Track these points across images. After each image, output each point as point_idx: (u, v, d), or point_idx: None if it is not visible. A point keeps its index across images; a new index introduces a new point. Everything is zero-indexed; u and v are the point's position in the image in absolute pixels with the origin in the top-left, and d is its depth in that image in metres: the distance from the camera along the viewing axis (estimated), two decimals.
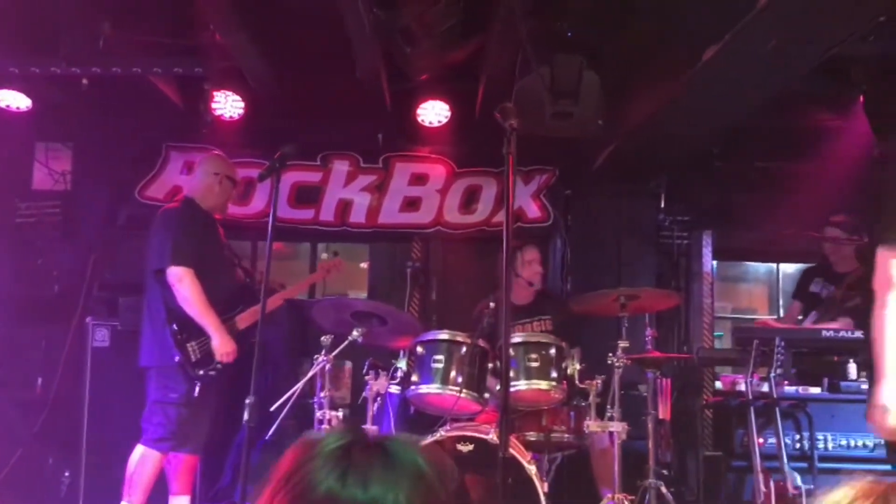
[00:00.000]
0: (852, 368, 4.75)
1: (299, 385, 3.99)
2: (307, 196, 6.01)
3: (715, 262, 6.22)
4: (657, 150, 5.28)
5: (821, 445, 4.63)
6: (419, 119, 5.63)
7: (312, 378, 4.05)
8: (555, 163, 6.03)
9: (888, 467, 4.20)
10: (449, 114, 5.60)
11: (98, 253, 5.76)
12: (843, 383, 4.73)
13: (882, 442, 4.44)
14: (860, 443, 4.66)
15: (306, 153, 5.87)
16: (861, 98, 4.97)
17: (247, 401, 3.39)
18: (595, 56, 4.07)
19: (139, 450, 4.21)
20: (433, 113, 5.62)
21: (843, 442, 4.69)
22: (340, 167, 6.05)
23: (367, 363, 4.19)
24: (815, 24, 3.35)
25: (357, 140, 6.02)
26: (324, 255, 5.59)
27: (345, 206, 6.04)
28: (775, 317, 6.67)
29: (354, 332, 4.05)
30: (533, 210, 6.07)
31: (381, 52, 4.48)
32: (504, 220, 2.70)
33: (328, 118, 5.77)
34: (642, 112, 4.60)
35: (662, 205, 6.03)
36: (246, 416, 3.38)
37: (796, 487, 3.98)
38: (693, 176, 5.93)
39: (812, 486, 4.02)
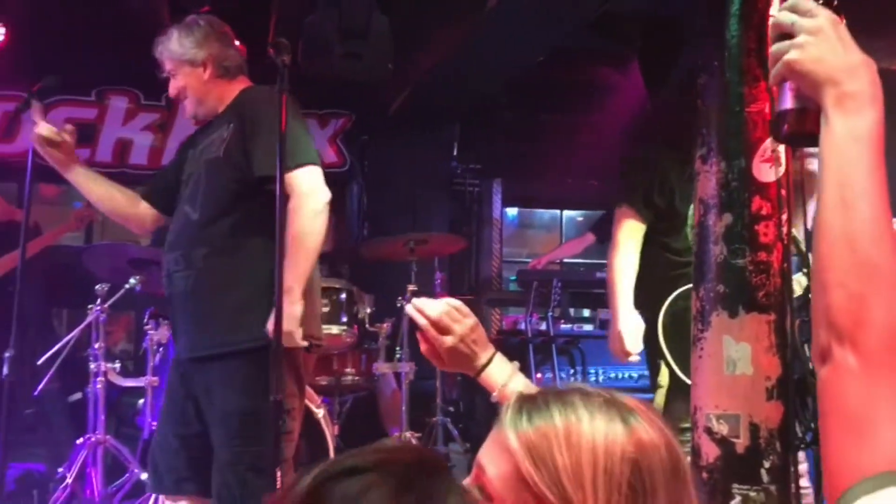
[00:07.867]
0: None
1: (72, 335, 3.77)
2: (81, 134, 5.45)
3: (510, 210, 6.46)
4: (449, 98, 5.35)
5: (592, 379, 5.01)
6: None
7: (87, 330, 3.81)
8: (351, 107, 5.96)
9: (651, 395, 4.62)
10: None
11: None
12: None
13: (645, 372, 4.87)
14: (626, 374, 5.08)
15: (78, 87, 5.39)
16: (636, 55, 5.28)
17: (6, 354, 3.11)
18: None
19: None
20: None
21: (613, 375, 5.10)
22: (118, 104, 5.63)
23: (147, 312, 3.99)
24: None
25: (137, 75, 5.62)
26: (77, 204, 5.15)
27: (124, 146, 5.65)
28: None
29: (132, 280, 3.84)
30: (329, 155, 5.97)
31: None
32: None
33: (103, 49, 5.31)
34: (431, 58, 4.63)
35: (455, 153, 6.17)
36: (6, 370, 3.11)
37: None
38: (484, 126, 6.09)
39: None
